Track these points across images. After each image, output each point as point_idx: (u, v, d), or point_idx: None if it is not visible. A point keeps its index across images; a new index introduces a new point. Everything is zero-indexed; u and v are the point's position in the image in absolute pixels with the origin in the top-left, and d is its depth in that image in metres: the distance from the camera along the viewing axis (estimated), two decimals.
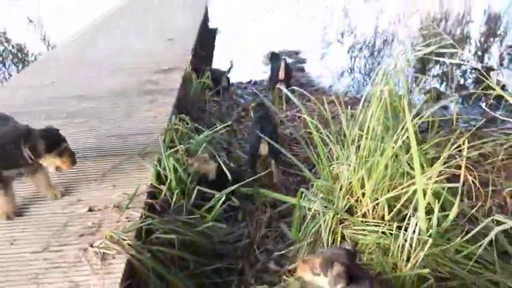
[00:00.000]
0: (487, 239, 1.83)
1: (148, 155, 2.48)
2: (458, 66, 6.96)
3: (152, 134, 2.72)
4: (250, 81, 5.51)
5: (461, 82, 6.34)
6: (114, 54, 4.52)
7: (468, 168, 2.43)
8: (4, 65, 7.26)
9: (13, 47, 8.34)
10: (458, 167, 2.25)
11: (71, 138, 2.64)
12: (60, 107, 3.22)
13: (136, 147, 2.60)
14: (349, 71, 6.44)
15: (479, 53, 7.51)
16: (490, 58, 7.26)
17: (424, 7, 10.05)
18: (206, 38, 6.99)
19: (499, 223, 1.87)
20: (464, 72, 6.70)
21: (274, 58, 4.83)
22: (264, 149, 3.05)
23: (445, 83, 6.04)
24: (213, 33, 8.09)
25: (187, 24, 6.05)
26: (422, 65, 6.76)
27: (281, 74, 4.45)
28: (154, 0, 7.82)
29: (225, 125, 3.07)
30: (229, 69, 4.76)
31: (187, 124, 2.87)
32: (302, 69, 6.19)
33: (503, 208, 2.67)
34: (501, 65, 6.99)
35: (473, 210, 2.18)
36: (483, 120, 2.97)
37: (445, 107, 4.73)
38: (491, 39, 8.19)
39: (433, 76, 6.41)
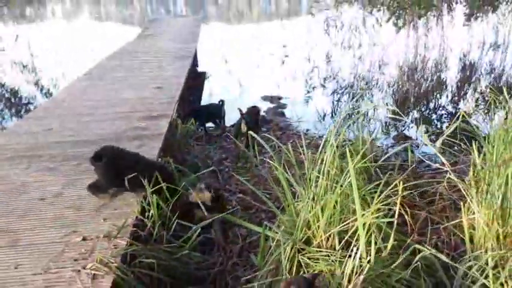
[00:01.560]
0: (412, 266, 2.23)
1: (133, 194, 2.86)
2: (435, 111, 7.55)
3: None
4: (233, 125, 5.94)
5: (439, 126, 6.86)
6: (107, 102, 4.95)
7: (407, 205, 2.87)
8: None
9: (7, 91, 8.77)
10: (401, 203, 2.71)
11: (68, 179, 3.08)
12: (58, 151, 3.61)
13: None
14: (331, 114, 6.93)
15: (455, 98, 8.07)
16: (465, 103, 7.82)
17: (402, 55, 10.75)
18: (195, 82, 7.52)
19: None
20: (441, 116, 7.23)
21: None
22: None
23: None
24: (202, 76, 8.65)
25: (176, 71, 6.53)
26: (401, 110, 7.30)
27: (243, 128, 4.80)
28: (146, 49, 8.36)
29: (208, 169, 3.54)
30: (222, 105, 5.48)
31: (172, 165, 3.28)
32: (282, 114, 6.66)
33: (449, 244, 3.05)
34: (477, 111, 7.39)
35: (408, 241, 2.56)
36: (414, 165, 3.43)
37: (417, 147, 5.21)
38: (466, 85, 8.78)
39: (411, 121, 6.92)
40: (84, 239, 2.40)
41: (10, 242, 2.40)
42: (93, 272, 2.11)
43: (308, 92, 8.32)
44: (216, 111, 5.67)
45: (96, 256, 2.20)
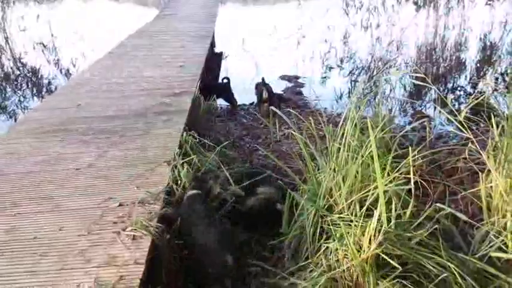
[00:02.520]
0: (431, 227, 2.34)
1: (165, 164, 3.02)
2: (452, 91, 7.54)
3: (168, 147, 3.27)
4: (252, 103, 6.08)
5: (456, 106, 6.88)
6: (133, 80, 5.10)
7: (422, 175, 2.98)
8: (20, 89, 7.89)
9: (28, 71, 8.98)
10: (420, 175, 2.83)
11: (100, 151, 3.25)
12: (89, 126, 3.78)
13: (154, 157, 3.15)
14: (348, 94, 6.99)
15: (474, 78, 8.03)
16: (484, 83, 7.77)
17: (421, 35, 10.67)
18: (213, 62, 7.63)
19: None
20: (459, 96, 7.23)
21: (258, 85, 5.65)
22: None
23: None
24: (219, 57, 8.75)
25: (196, 50, 6.67)
26: (418, 90, 7.32)
27: (264, 94, 5.37)
28: (165, 29, 8.48)
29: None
30: (228, 82, 5.76)
31: (196, 139, 3.42)
32: (300, 93, 6.75)
33: (467, 213, 3.16)
34: (495, 90, 7.39)
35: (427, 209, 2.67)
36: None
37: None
38: (486, 66, 8.71)
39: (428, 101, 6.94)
40: (120, 204, 2.56)
41: (52, 208, 2.58)
42: (132, 233, 2.27)
43: (325, 72, 8.36)
44: (223, 88, 5.84)
45: (133, 219, 2.36)
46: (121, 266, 2.05)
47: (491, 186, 2.77)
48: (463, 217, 2.47)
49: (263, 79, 5.69)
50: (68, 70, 8.82)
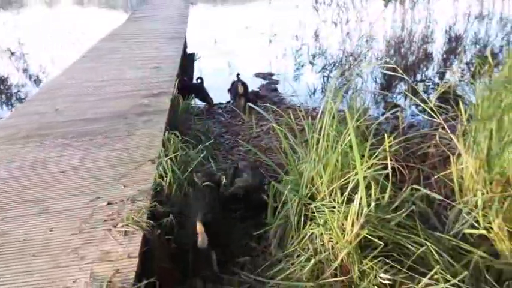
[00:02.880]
0: (409, 205, 2.49)
1: (149, 163, 3.08)
2: (421, 82, 7.78)
3: (151, 147, 3.33)
4: (229, 102, 6.15)
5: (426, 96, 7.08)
6: (108, 82, 5.11)
7: (397, 161, 3.13)
8: None
9: None
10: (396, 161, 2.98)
11: (83, 154, 3.28)
12: (69, 129, 3.79)
13: (139, 156, 3.20)
14: (321, 90, 7.14)
15: (441, 70, 8.30)
16: (451, 74, 8.03)
17: (389, 29, 10.94)
18: (186, 63, 7.66)
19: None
20: (427, 87, 7.46)
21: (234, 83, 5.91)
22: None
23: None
24: (191, 57, 8.78)
25: (170, 52, 6.70)
26: (389, 83, 7.54)
27: (240, 89, 5.61)
28: (138, 31, 8.46)
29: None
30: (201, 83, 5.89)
31: (179, 138, 3.48)
32: (275, 90, 6.87)
33: (440, 196, 3.32)
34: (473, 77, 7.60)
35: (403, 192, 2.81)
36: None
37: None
38: (452, 57, 9.00)
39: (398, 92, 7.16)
40: (109, 203, 2.61)
41: (39, 210, 2.61)
42: (124, 229, 2.32)
43: (298, 69, 8.49)
44: (198, 88, 5.94)
45: (123, 216, 2.42)
46: (115, 261, 2.11)
47: (462, 168, 2.93)
48: (437, 196, 2.61)
49: (238, 75, 5.89)
50: (37, 77, 8.70)
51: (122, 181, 2.88)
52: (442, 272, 2.24)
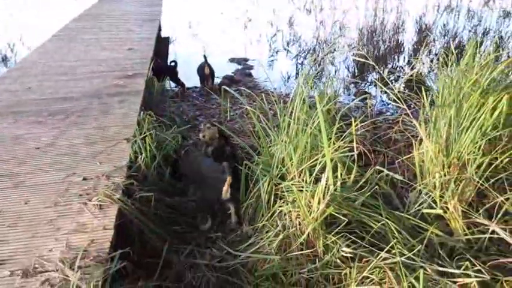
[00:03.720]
0: (373, 185, 2.66)
1: (124, 142, 3.14)
2: (392, 71, 8.01)
3: (126, 126, 3.38)
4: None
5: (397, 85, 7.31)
6: (82, 62, 5.09)
7: (364, 145, 3.29)
8: None
9: None
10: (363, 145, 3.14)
11: (58, 131, 3.31)
12: (42, 107, 3.80)
13: (114, 135, 3.25)
14: (295, 76, 7.28)
15: (411, 60, 8.54)
16: (420, 63, 8.28)
17: (361, 18, 11.12)
18: (160, 46, 7.64)
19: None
20: (398, 76, 7.69)
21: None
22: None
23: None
24: (166, 41, 8.76)
25: (145, 33, 6.69)
26: (361, 71, 7.73)
27: (206, 70, 5.86)
28: (111, 12, 8.37)
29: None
30: (175, 66, 5.89)
31: (153, 118, 3.55)
32: (250, 75, 6.96)
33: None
34: (431, 70, 7.88)
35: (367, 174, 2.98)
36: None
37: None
38: (421, 47, 9.25)
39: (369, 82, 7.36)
40: (84, 178, 2.68)
41: (15, 184, 2.65)
42: (99, 203, 2.40)
43: (272, 55, 8.59)
44: (171, 71, 5.96)
45: (99, 191, 2.49)
46: (91, 232, 2.19)
47: (423, 153, 3.11)
48: (399, 177, 2.79)
49: (205, 57, 5.98)
50: (5, 56, 8.49)
51: (97, 158, 2.93)
52: (400, 247, 2.41)
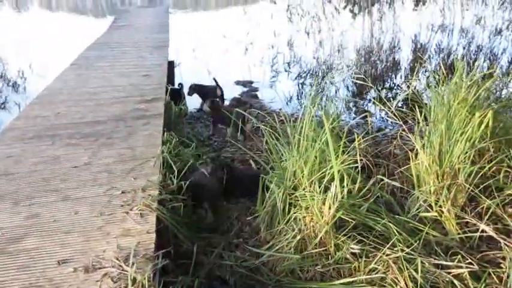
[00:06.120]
0: (373, 195, 3.04)
1: (153, 159, 3.53)
2: (390, 89, 8.45)
3: (152, 145, 3.78)
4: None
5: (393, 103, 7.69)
6: (102, 89, 5.52)
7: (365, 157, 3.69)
8: None
9: None
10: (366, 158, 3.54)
11: (91, 152, 3.70)
12: (74, 131, 4.20)
13: (142, 154, 3.64)
14: (297, 96, 7.71)
15: (408, 77, 8.96)
16: (416, 81, 8.69)
17: (359, 39, 11.62)
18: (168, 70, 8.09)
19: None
20: (396, 94, 8.11)
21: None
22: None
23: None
24: (171, 65, 9.21)
25: (156, 60, 7.15)
26: (360, 90, 8.17)
27: (218, 92, 6.42)
28: (123, 40, 8.85)
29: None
30: (181, 88, 6.43)
31: (176, 138, 3.95)
32: (256, 96, 7.40)
33: (402, 188, 3.90)
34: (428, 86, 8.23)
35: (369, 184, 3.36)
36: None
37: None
38: (417, 65, 9.69)
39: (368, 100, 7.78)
40: (123, 192, 3.06)
41: (63, 197, 3.02)
42: (139, 212, 2.78)
43: (274, 76, 9.04)
44: (178, 94, 6.40)
45: (138, 202, 2.87)
46: (136, 236, 2.57)
47: (419, 163, 3.50)
48: (397, 184, 3.17)
49: (215, 80, 6.48)
50: (15, 82, 8.84)
51: (130, 174, 3.32)
52: (400, 244, 2.78)
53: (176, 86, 6.67)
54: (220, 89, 6.35)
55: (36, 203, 2.98)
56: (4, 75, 9.32)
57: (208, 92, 6.42)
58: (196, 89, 6.53)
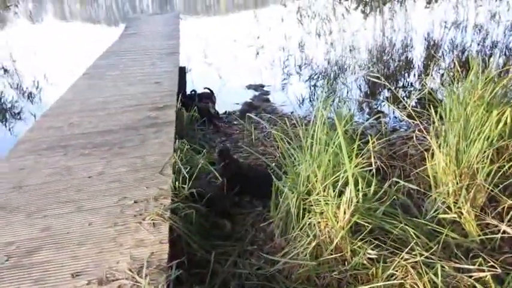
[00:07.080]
0: (389, 198, 2.97)
1: (165, 167, 3.51)
2: (403, 88, 8.34)
3: (164, 154, 3.76)
4: (225, 112, 6.63)
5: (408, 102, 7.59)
6: (114, 98, 5.52)
7: (381, 161, 3.61)
8: None
9: None
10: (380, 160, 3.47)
11: (104, 161, 3.70)
12: (87, 141, 4.20)
13: (154, 162, 3.63)
14: (309, 99, 7.65)
15: (422, 75, 8.84)
16: (431, 79, 8.57)
17: (370, 39, 11.53)
18: (179, 77, 8.10)
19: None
20: (409, 93, 8.00)
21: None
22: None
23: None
24: (182, 71, 9.22)
25: (167, 67, 7.15)
26: (372, 90, 8.09)
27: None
28: (133, 48, 8.90)
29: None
30: (194, 94, 6.48)
31: (188, 146, 3.93)
32: (267, 100, 7.36)
33: (419, 190, 3.82)
34: (442, 85, 8.14)
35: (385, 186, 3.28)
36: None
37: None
38: (431, 63, 9.56)
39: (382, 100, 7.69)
40: (135, 201, 3.04)
41: (76, 209, 3.02)
42: (152, 222, 2.76)
43: (285, 79, 8.99)
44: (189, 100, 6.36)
45: (150, 211, 2.85)
46: (149, 246, 2.54)
47: (435, 164, 3.43)
48: (414, 187, 3.10)
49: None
50: (31, 92, 8.94)
51: (143, 183, 3.30)
52: (419, 249, 2.71)
53: (189, 92, 6.67)
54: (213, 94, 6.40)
55: (49, 215, 2.98)
56: (20, 85, 9.45)
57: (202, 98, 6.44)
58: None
